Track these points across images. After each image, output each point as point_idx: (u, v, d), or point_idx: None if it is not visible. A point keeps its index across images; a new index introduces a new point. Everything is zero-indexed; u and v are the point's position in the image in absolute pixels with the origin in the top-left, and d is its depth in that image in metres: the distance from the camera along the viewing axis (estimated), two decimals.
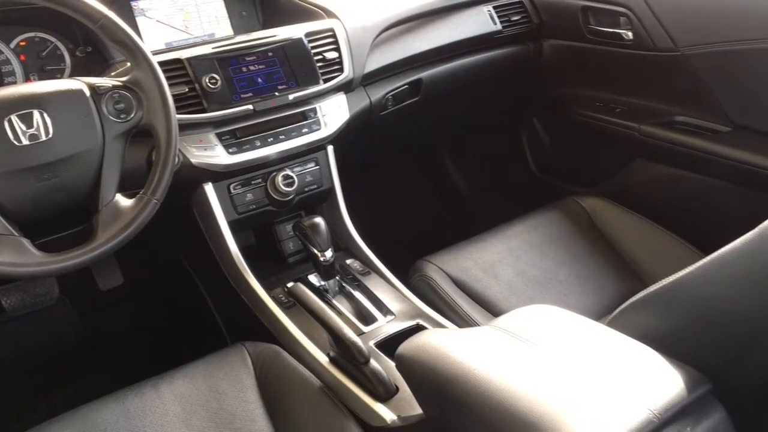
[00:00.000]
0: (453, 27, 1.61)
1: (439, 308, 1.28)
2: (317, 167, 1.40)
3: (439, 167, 2.12)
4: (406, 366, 0.95)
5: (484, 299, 1.33)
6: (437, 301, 1.32)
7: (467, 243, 1.48)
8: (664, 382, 0.80)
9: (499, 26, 1.68)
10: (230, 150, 1.25)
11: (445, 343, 0.92)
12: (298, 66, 1.32)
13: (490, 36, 1.66)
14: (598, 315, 1.29)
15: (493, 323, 0.97)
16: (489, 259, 1.43)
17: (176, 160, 1.06)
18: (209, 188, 1.28)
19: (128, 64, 1.05)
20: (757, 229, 0.80)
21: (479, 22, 1.66)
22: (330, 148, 1.42)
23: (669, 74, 1.54)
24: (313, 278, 1.34)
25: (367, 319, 1.23)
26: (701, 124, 1.53)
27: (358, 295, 1.29)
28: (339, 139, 1.41)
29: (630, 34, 1.57)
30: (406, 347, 0.95)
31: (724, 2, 1.41)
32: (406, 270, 1.41)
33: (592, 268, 1.44)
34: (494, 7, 1.68)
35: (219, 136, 1.25)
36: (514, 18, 1.71)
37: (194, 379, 1.08)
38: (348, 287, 1.31)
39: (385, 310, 1.25)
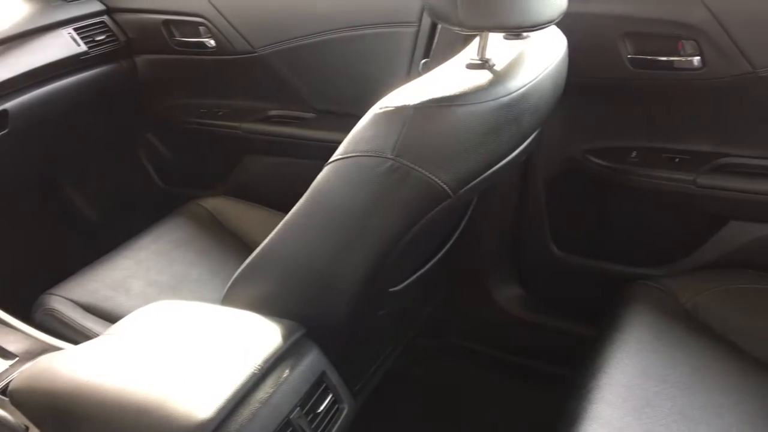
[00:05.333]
0: (31, 53, 1.55)
1: (69, 338, 1.24)
2: None
3: (62, 198, 2.02)
4: (22, 400, 0.92)
5: (118, 316, 1.32)
6: (66, 331, 1.28)
7: (93, 266, 1.45)
8: (262, 339, 0.91)
9: (84, 47, 1.66)
10: None
11: (58, 364, 0.91)
12: None
13: (76, 58, 1.64)
14: None
15: (107, 332, 0.98)
16: (118, 276, 1.42)
17: None
18: None
19: None
20: (307, 192, 0.95)
21: (61, 45, 1.62)
22: None
23: (255, 74, 1.70)
24: None
25: None
26: (291, 114, 1.72)
27: None
28: None
29: (212, 41, 1.69)
30: (17, 381, 0.92)
31: (283, 5, 1.60)
32: None
33: (222, 262, 1.53)
34: (75, 29, 1.66)
35: None
36: (99, 38, 1.71)
37: None
38: None
39: (7, 354, 1.17)
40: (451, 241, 1.22)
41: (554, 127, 1.40)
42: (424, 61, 1.41)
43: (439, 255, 1.18)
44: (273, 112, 1.75)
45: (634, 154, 1.37)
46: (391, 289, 1.04)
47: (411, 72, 1.50)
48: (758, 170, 1.28)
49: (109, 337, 0.96)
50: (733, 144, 1.31)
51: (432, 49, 1.42)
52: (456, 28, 0.88)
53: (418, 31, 1.47)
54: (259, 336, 0.92)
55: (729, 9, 1.18)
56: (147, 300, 1.37)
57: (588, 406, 0.98)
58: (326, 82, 1.64)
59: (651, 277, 1.29)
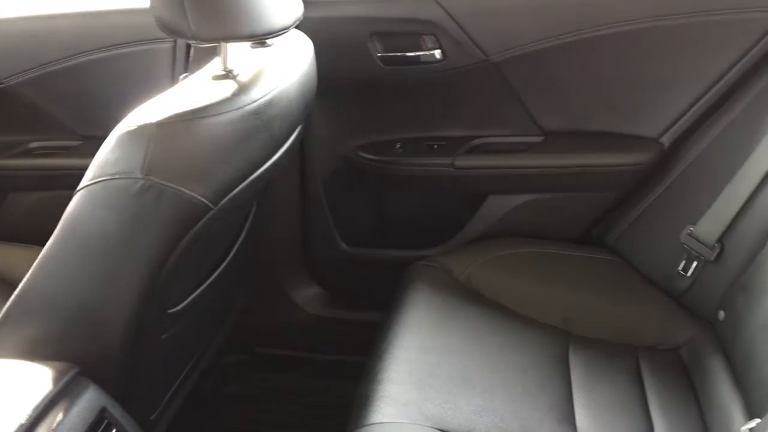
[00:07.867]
0: None
1: None
2: None
3: None
4: None
5: None
6: None
7: None
8: (29, 387, 0.85)
9: None
10: None
11: None
12: None
13: None
14: None
15: None
16: None
17: None
18: None
19: None
20: (60, 223, 0.90)
21: None
22: None
23: (3, 106, 1.58)
24: None
25: None
26: (54, 144, 1.62)
27: None
28: None
29: None
30: None
31: (22, 29, 1.50)
32: None
33: None
34: None
35: None
36: None
37: None
38: None
39: None
40: (232, 252, 1.22)
41: (324, 127, 1.46)
42: (183, 75, 1.39)
43: (222, 266, 1.18)
44: (34, 144, 1.63)
45: (398, 145, 1.46)
46: (170, 311, 1.01)
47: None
48: (505, 147, 1.42)
49: None
50: (482, 126, 1.44)
51: (189, 63, 1.41)
52: (192, 42, 0.88)
53: (174, 46, 1.45)
54: (24, 384, 0.86)
55: (457, 3, 1.29)
56: None
57: (377, 387, 1.03)
58: (87, 107, 1.57)
59: (429, 257, 1.39)
